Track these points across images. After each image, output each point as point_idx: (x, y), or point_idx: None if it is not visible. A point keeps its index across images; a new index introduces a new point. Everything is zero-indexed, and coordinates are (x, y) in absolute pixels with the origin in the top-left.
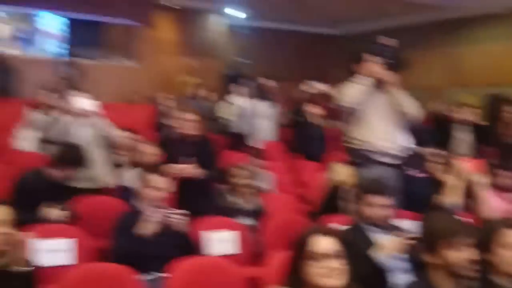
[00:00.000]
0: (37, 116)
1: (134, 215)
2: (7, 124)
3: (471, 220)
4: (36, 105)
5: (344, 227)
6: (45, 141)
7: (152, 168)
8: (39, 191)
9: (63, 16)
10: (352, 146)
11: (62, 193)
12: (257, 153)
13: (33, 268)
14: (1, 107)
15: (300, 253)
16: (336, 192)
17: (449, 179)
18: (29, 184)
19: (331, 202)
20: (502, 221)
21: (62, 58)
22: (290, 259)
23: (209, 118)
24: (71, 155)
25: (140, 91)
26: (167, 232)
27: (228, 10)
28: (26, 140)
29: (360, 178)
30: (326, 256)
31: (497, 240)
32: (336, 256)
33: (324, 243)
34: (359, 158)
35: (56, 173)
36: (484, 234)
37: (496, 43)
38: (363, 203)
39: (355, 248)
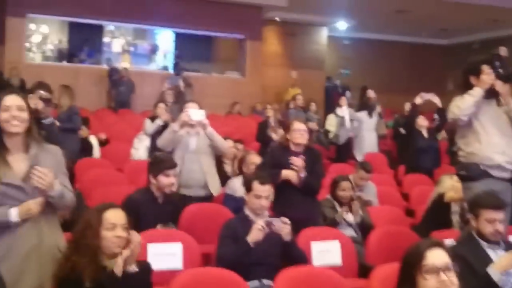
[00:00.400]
0: (151, 126)
1: (239, 223)
2: (125, 135)
3: None
4: (152, 117)
5: (454, 241)
6: (155, 149)
7: (256, 176)
8: (145, 210)
9: (174, 31)
10: (464, 159)
11: (167, 211)
12: (362, 165)
13: (147, 270)
14: (120, 119)
15: (414, 266)
16: (442, 205)
17: None
18: (136, 204)
19: (437, 215)
20: None
21: (173, 71)
22: (402, 272)
23: (312, 130)
24: (163, 160)
25: (245, 102)
26: (271, 240)
27: (332, 22)
28: (141, 150)
29: (474, 192)
30: (442, 269)
31: None
32: (450, 269)
33: (440, 257)
34: (472, 171)
35: (155, 182)
36: None
37: None
38: (477, 218)
39: (468, 263)
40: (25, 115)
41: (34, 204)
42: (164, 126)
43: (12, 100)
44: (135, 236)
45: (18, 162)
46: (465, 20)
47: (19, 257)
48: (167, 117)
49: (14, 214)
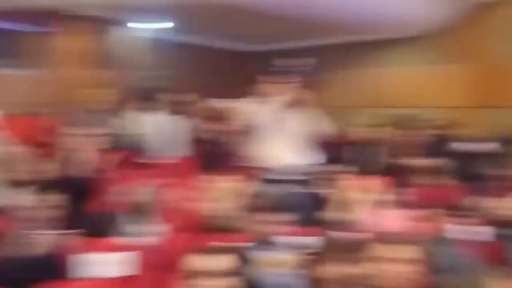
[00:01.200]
0: None
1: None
2: None
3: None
4: None
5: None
6: None
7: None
8: None
9: None
10: (247, 164)
11: None
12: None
13: None
14: None
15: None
16: None
17: (351, 196)
18: None
19: None
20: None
21: None
22: None
23: (111, 133)
24: None
25: (39, 102)
26: (38, 253)
27: (140, 23)
28: None
29: (251, 195)
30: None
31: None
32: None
33: (200, 262)
34: (253, 175)
35: None
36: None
37: (411, 65)
38: (252, 220)
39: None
40: None
41: None
42: None
43: None
44: None
45: None
46: (270, 30)
47: None
48: None
49: None
